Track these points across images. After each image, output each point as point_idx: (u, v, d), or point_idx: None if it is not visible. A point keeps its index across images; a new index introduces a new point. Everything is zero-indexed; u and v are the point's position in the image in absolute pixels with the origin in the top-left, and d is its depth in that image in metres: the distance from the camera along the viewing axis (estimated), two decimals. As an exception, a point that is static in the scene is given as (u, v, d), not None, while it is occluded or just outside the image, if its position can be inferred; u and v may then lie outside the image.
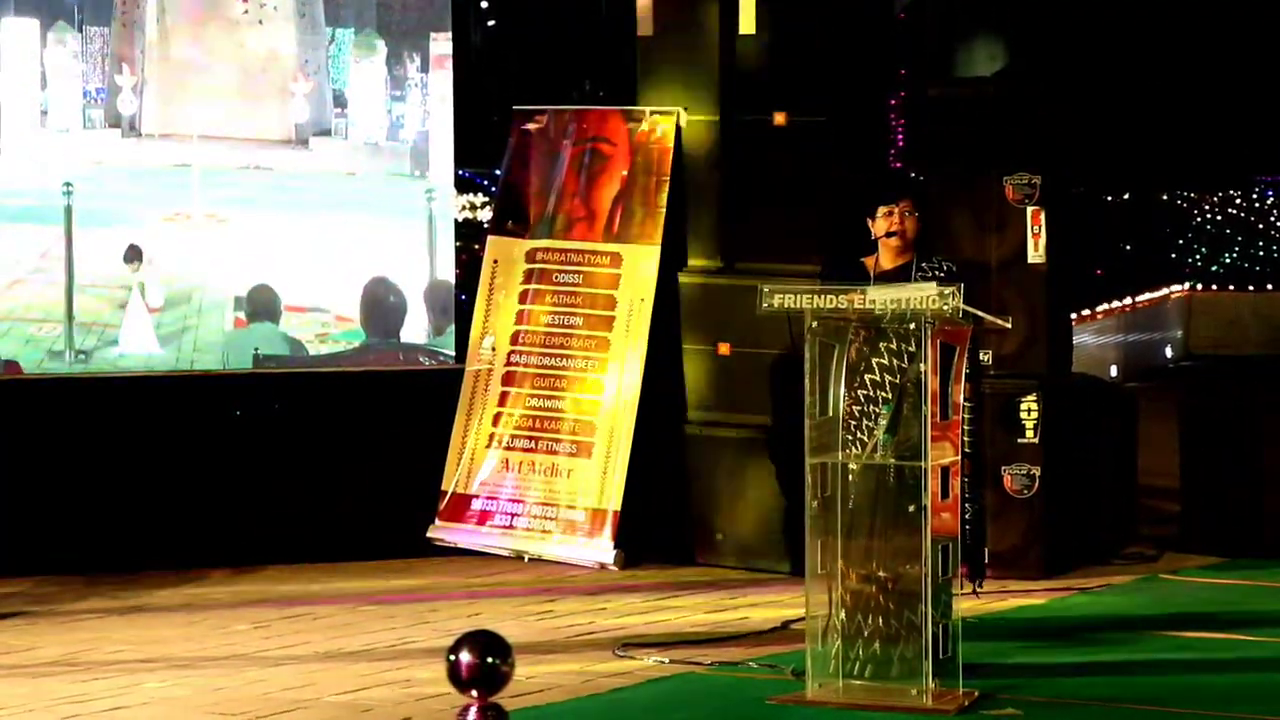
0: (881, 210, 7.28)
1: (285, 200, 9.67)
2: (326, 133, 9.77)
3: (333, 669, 7.18)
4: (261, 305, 9.59)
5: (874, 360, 6.73)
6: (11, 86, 9.22)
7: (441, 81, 9.87)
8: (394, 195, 9.83)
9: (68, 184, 9.28)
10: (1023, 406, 9.03)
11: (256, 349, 9.58)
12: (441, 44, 9.88)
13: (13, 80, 9.23)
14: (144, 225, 9.42)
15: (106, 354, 9.34)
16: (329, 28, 9.79)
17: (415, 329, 9.85)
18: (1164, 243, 23.37)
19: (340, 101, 9.80)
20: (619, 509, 9.18)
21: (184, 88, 9.51)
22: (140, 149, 9.44)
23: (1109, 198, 22.99)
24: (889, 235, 7.26)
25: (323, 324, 9.70)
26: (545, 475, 9.37)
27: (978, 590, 7.76)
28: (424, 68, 9.87)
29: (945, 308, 6.50)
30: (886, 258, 7.31)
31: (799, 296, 6.67)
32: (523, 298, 9.61)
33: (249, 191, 9.61)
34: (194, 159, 9.52)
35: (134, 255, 9.35)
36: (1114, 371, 18.11)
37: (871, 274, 7.26)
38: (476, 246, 10.58)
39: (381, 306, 9.79)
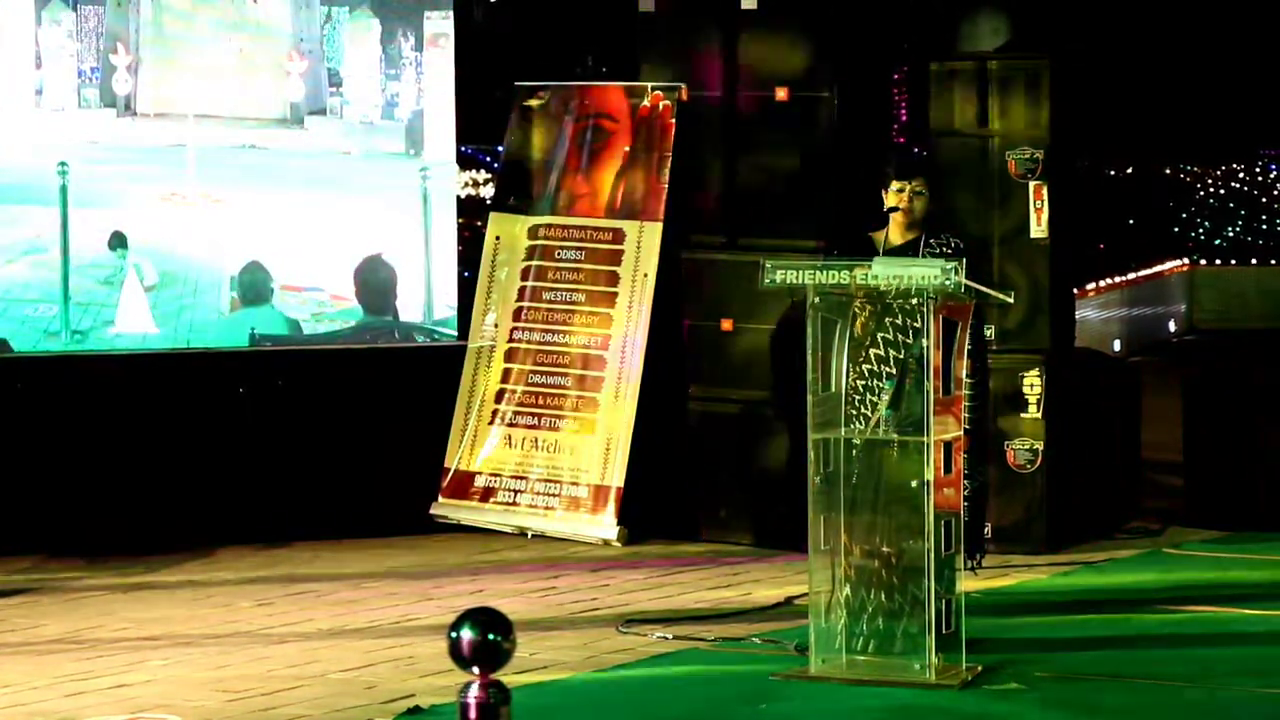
0: (894, 185, 7.30)
1: (281, 179, 9.62)
2: (322, 112, 9.72)
3: (336, 646, 7.17)
4: (258, 284, 9.55)
5: (879, 335, 6.70)
6: (6, 66, 9.17)
7: (436, 59, 9.82)
8: (389, 174, 9.79)
9: (63, 164, 9.24)
10: (1026, 381, 9.01)
11: (253, 328, 9.55)
12: (436, 22, 9.83)
13: (7, 59, 9.18)
14: (139, 205, 9.37)
15: (102, 334, 9.31)
16: (324, 6, 9.74)
17: (412, 307, 9.82)
18: (1167, 217, 23.33)
19: (335, 80, 9.75)
20: (622, 485, 9.15)
21: (179, 67, 9.47)
22: (135, 128, 9.40)
23: (1112, 171, 22.95)
24: (892, 210, 7.29)
25: (319, 303, 9.67)
26: (548, 451, 9.34)
27: (976, 569, 7.73)
28: (419, 46, 9.82)
29: (948, 283, 6.47)
30: (895, 233, 7.35)
31: (801, 271, 6.64)
32: (525, 274, 9.58)
33: (244, 171, 9.56)
34: (189, 138, 9.47)
35: (119, 242, 9.31)
36: (1117, 346, 18.07)
37: (881, 249, 7.27)
38: (479, 223, 10.54)
39: (377, 285, 9.76)
